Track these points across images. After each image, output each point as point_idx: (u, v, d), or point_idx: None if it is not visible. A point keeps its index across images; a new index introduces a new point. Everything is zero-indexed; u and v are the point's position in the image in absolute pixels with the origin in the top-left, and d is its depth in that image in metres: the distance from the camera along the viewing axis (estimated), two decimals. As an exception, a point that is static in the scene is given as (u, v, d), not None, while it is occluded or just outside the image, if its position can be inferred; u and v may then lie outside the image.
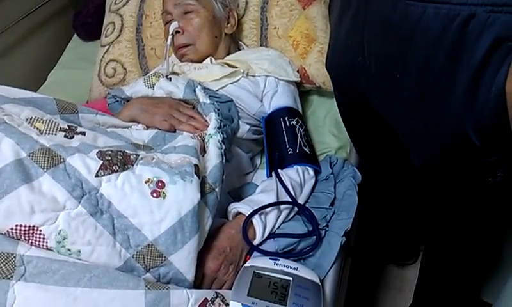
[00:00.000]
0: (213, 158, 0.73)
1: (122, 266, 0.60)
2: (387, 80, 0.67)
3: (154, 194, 0.63)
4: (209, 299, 0.63)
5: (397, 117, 0.72)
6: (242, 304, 0.63)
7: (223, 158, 0.74)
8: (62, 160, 0.61)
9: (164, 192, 0.63)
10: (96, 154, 0.64)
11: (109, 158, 0.63)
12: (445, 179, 0.74)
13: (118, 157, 0.64)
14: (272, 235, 0.74)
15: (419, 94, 0.64)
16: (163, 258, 0.62)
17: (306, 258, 0.74)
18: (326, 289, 0.71)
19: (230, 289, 0.68)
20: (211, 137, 0.76)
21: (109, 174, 0.62)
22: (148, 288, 0.58)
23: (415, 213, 1.23)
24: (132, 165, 0.65)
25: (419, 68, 0.61)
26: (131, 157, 0.66)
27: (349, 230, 0.76)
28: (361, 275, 1.30)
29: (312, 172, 0.86)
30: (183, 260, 0.62)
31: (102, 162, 0.62)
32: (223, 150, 0.75)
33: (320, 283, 0.68)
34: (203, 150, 0.76)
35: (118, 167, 0.63)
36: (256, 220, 0.73)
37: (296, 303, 0.63)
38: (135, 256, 0.61)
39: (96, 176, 0.61)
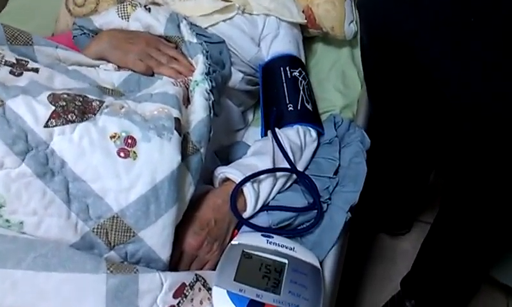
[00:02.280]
0: (199, 110, 0.59)
1: (79, 242, 0.48)
2: (458, 32, 0.55)
3: (122, 154, 0.49)
4: (187, 284, 0.52)
5: (462, 75, 0.60)
6: (227, 291, 0.52)
7: (210, 112, 0.61)
8: (0, 102, 0.47)
9: (134, 152, 0.50)
10: (48, 98, 0.49)
11: (64, 103, 0.49)
12: (498, 147, 0.64)
13: (76, 102, 0.50)
14: (265, 207, 0.62)
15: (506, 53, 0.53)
16: (131, 234, 0.49)
17: (305, 235, 0.63)
18: (325, 272, 0.61)
19: (214, 269, 0.57)
20: (197, 84, 0.62)
21: (63, 124, 0.48)
22: (111, 272, 0.46)
23: (416, 181, 1.13)
24: (94, 114, 0.51)
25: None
26: (93, 103, 0.51)
27: (355, 205, 0.65)
28: (352, 245, 1.23)
29: (314, 134, 0.74)
30: (156, 236, 0.50)
31: (53, 108, 0.48)
32: (210, 102, 0.61)
33: (320, 267, 0.57)
34: (187, 100, 0.62)
35: (75, 116, 0.49)
36: (247, 189, 0.61)
37: (292, 292, 0.53)
38: (95, 230, 0.49)
39: (46, 126, 0.47)
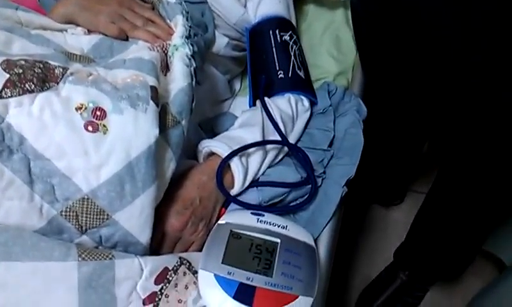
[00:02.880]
0: (179, 78, 0.53)
1: (45, 227, 0.43)
2: None
3: (89, 128, 0.44)
4: (171, 268, 0.47)
5: (463, 33, 0.55)
6: (214, 275, 0.48)
7: (192, 80, 0.55)
8: None
9: (104, 125, 0.44)
10: (1, 65, 0.43)
11: (21, 71, 0.43)
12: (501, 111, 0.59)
13: (36, 70, 0.44)
14: (255, 183, 0.58)
15: None
16: (105, 216, 0.44)
17: (298, 212, 0.58)
18: (320, 250, 0.57)
19: (200, 251, 0.53)
20: (176, 49, 0.56)
21: (20, 95, 0.42)
22: (83, 258, 0.42)
23: (410, 151, 1.09)
24: (57, 83, 0.44)
25: None
26: (56, 71, 0.45)
27: (351, 179, 0.61)
28: (344, 216, 1.20)
29: (306, 103, 0.68)
30: (134, 219, 0.45)
31: (8, 76, 0.42)
32: (192, 68, 0.55)
33: (315, 246, 0.53)
34: (166, 67, 0.56)
35: (33, 86, 0.43)
36: (235, 163, 0.56)
37: (285, 273, 0.49)
38: (64, 213, 0.43)
39: (0, 97, 0.41)
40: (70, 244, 0.43)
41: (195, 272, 0.49)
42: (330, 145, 0.64)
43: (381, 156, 1.12)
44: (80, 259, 0.42)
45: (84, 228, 0.44)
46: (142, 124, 0.45)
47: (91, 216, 0.44)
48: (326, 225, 0.58)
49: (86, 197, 0.43)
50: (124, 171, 0.44)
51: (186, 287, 0.49)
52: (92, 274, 0.42)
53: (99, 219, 0.44)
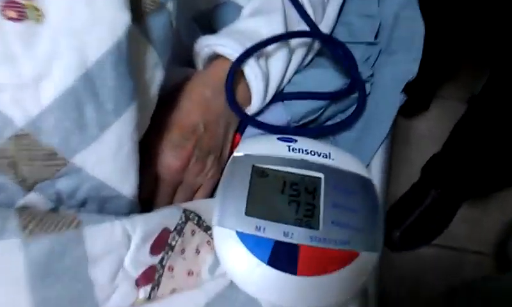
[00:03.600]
0: None
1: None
2: None
3: (11, 13, 0.25)
4: (172, 228, 0.32)
5: None
6: (236, 232, 0.33)
7: None
8: None
9: (36, 8, 0.26)
10: None
11: None
12: None
13: None
14: (280, 96, 0.41)
15: None
16: (59, 161, 0.28)
17: (340, 133, 0.42)
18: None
19: (212, 196, 0.38)
20: None
21: None
22: (31, 232, 0.26)
23: (448, 46, 0.91)
24: None
25: None
26: None
27: (413, 80, 0.44)
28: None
29: (340, -22, 0.48)
30: (107, 161, 0.29)
31: None
32: None
33: (371, 178, 0.38)
34: None
35: None
36: (251, 68, 0.38)
37: (337, 222, 0.34)
38: (-11, 160, 0.27)
39: None
40: (6, 212, 0.26)
41: (208, 228, 0.34)
42: (376, 37, 0.46)
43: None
44: (26, 232, 0.26)
45: (28, 182, 0.28)
46: (101, 4, 0.27)
47: (37, 162, 0.27)
48: (380, 145, 0.42)
49: (22, 133, 0.26)
50: (80, 86, 0.27)
51: (197, 251, 0.34)
52: (49, 254, 0.26)
53: (50, 166, 0.28)
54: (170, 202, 0.37)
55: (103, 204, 0.31)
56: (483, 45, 0.95)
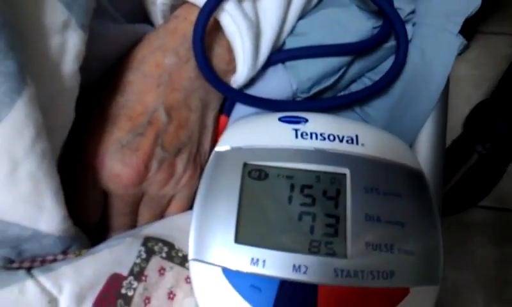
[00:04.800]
0: None
1: None
2: None
3: None
4: (126, 273, 0.22)
5: None
6: (223, 270, 0.22)
7: None
8: None
9: None
10: None
11: None
12: None
13: None
14: (279, 55, 0.28)
15: None
16: None
17: (370, 102, 0.30)
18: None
19: (191, 208, 0.27)
20: None
21: None
22: None
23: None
24: None
25: None
26: None
27: (472, 17, 0.30)
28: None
29: None
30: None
31: None
32: None
33: (422, 169, 0.25)
34: None
35: None
36: (230, 16, 0.25)
37: (374, 243, 0.22)
38: None
39: None
40: None
41: (185, 260, 0.24)
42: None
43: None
44: None
45: None
46: None
47: None
48: (428, 117, 0.30)
49: None
50: None
51: (171, 296, 0.23)
52: None
53: None
54: (133, 224, 0.26)
55: (19, 247, 0.21)
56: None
